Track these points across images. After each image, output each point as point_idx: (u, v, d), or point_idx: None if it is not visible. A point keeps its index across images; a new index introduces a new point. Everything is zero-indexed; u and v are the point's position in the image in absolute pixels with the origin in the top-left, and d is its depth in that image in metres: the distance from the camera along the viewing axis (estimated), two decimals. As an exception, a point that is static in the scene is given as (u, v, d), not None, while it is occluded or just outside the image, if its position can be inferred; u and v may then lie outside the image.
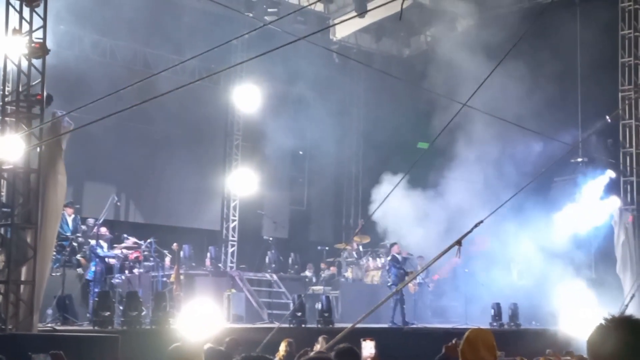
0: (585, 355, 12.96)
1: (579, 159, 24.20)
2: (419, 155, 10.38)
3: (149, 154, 24.41)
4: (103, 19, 22.33)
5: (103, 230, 18.48)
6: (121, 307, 15.95)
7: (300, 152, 28.35)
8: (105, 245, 18.25)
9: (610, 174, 22.62)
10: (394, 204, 20.35)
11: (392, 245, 21.37)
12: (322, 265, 23.92)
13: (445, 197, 23.92)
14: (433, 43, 28.25)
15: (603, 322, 2.92)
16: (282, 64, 24.27)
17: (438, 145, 16.16)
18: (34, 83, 13.61)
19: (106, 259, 18.05)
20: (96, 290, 16.99)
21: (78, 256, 17.80)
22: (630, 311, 15.17)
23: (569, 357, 13.25)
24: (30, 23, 13.59)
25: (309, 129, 26.87)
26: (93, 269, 17.67)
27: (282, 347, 12.30)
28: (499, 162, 23.42)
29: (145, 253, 19.09)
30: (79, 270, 17.83)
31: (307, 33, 12.89)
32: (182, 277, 18.93)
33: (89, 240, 18.01)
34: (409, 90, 23.26)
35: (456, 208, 22.46)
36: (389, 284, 20.86)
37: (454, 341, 7.10)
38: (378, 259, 24.51)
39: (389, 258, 21.56)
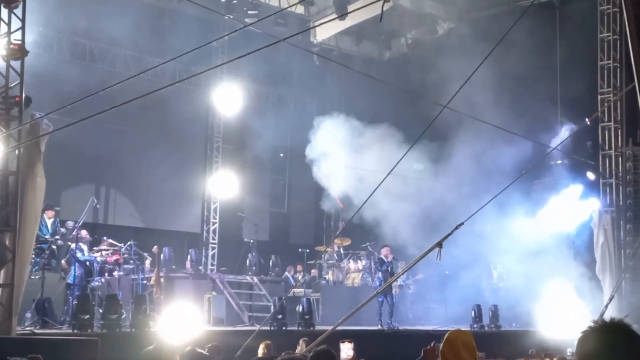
0: (564, 356, 13.00)
1: (559, 161, 24.33)
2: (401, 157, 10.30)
3: (130, 157, 24.31)
4: (82, 21, 22.23)
5: (83, 233, 18.37)
6: (101, 310, 15.85)
7: (281, 155, 28.33)
8: (85, 248, 18.15)
9: (590, 176, 22.74)
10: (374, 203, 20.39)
11: (382, 247, 21.33)
12: (299, 267, 23.85)
13: (429, 198, 23.96)
14: (414, 45, 28.29)
15: (594, 325, 2.91)
16: (263, 66, 24.29)
17: (421, 145, 16.19)
18: (12, 85, 13.52)
19: (87, 263, 17.96)
20: (77, 293, 16.88)
21: (62, 261, 17.64)
22: (610, 312, 15.29)
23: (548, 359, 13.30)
24: (9, 24, 13.50)
25: (289, 132, 26.85)
26: (73, 272, 17.58)
27: (260, 350, 12.27)
28: (479, 164, 23.48)
29: (125, 256, 19.00)
30: (62, 274, 17.65)
31: (287, 35, 12.87)
32: (162, 279, 18.84)
33: (69, 243, 17.89)
34: (390, 93, 23.26)
35: (439, 209, 22.49)
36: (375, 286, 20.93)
37: (432, 344, 7.10)
38: (359, 261, 24.52)
39: (376, 259, 21.63)
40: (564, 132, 22.73)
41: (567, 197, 22.94)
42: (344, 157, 23.83)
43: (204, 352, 11.17)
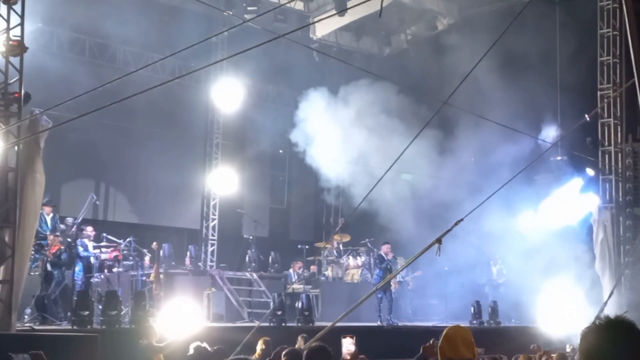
0: (564, 352, 13.01)
1: (559, 158, 24.33)
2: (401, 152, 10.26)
3: (129, 153, 24.30)
4: (82, 17, 22.21)
5: (89, 229, 18.37)
6: (100, 307, 15.86)
7: (281, 151, 28.31)
8: (90, 244, 18.12)
9: (589, 172, 22.73)
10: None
11: (383, 244, 21.35)
12: (298, 264, 23.78)
13: (431, 193, 23.99)
14: (413, 41, 28.28)
15: (597, 321, 2.92)
16: (262, 62, 24.25)
17: (423, 139, 16.20)
18: (11, 81, 13.52)
19: (90, 258, 17.91)
20: (77, 289, 16.89)
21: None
22: (609, 308, 15.28)
23: (545, 357, 13.31)
24: (8, 21, 13.50)
25: (289, 128, 26.85)
26: (77, 268, 17.57)
27: (259, 346, 12.30)
28: (480, 159, 23.50)
29: (125, 252, 18.99)
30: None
31: (287, 31, 12.91)
32: (161, 276, 18.85)
33: (68, 239, 17.86)
34: (389, 89, 23.26)
35: (441, 204, 22.50)
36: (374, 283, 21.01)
37: (431, 341, 7.11)
38: (358, 258, 24.50)
39: (376, 256, 21.69)
40: (564, 128, 22.73)
41: (568, 191, 22.95)
42: (338, 143, 23.72)
43: (209, 349, 11.20)
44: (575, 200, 22.46)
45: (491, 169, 21.58)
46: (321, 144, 23.73)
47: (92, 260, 17.99)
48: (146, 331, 11.98)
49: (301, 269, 22.90)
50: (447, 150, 24.13)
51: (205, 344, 11.14)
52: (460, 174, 24.20)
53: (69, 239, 17.72)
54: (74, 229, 17.90)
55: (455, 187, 23.46)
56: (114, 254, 18.82)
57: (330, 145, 23.78)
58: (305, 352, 3.46)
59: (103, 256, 18.26)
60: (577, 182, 22.89)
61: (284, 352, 8.10)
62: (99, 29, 22.63)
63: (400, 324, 20.55)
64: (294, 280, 22.55)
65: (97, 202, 21.39)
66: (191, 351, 10.96)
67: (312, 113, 23.88)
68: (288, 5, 22.82)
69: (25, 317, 16.18)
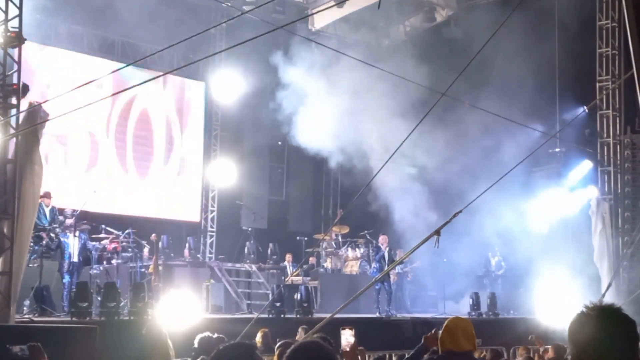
0: (561, 343, 13.02)
1: (557, 149, 24.34)
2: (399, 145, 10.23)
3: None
4: (79, 8, 22.16)
5: (68, 222, 18.15)
6: (99, 298, 15.85)
7: (279, 143, 28.29)
8: (72, 242, 17.83)
9: (588, 164, 22.75)
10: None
11: (380, 235, 21.37)
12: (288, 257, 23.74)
13: (427, 185, 24.00)
14: (412, 33, 28.23)
15: (584, 309, 2.91)
16: (260, 54, 24.20)
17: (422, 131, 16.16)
18: (9, 72, 13.49)
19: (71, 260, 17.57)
20: (69, 280, 16.86)
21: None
22: (608, 300, 15.31)
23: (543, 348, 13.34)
24: (6, 12, 13.46)
25: (287, 120, 26.85)
26: (67, 260, 17.52)
27: (258, 337, 12.30)
28: (478, 153, 23.49)
29: (124, 244, 18.99)
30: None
31: (285, 23, 12.91)
32: (160, 267, 18.84)
33: (66, 231, 17.84)
34: (388, 80, 23.22)
35: (437, 195, 22.51)
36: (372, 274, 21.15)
37: (433, 331, 7.11)
38: (357, 249, 24.51)
39: (374, 247, 21.79)
40: (563, 119, 22.75)
41: (565, 185, 22.98)
42: (337, 133, 23.70)
43: (213, 337, 11.19)
44: (575, 191, 22.50)
45: (490, 161, 21.60)
46: (320, 134, 23.72)
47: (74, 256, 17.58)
48: (149, 321, 11.99)
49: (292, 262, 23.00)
50: (448, 140, 24.13)
51: (212, 334, 11.13)
52: (462, 164, 24.19)
53: (67, 231, 17.62)
54: (72, 221, 17.85)
55: (456, 177, 23.46)
56: (113, 245, 18.82)
57: (329, 135, 23.77)
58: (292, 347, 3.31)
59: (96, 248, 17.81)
60: (574, 175, 22.90)
61: (278, 343, 8.08)
62: (96, 20, 22.59)
63: (398, 315, 20.57)
64: (289, 271, 22.56)
65: (95, 191, 21.35)
66: (196, 344, 10.95)
67: (311, 103, 23.86)
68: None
69: (24, 308, 16.17)
